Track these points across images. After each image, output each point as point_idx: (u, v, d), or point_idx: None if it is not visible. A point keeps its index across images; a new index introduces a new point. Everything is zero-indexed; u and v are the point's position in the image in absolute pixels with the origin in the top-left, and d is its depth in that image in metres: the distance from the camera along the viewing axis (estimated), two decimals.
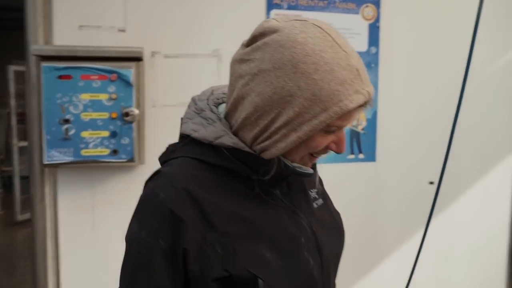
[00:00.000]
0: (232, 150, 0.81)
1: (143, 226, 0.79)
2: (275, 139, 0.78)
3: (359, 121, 2.47)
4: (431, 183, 2.64)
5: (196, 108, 0.88)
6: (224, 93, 0.91)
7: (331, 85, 0.74)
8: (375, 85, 2.47)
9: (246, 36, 0.84)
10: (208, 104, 0.88)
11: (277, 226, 0.84)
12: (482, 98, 2.69)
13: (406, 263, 2.38)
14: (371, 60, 2.45)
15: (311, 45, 0.74)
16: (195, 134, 0.84)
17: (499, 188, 2.79)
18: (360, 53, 2.37)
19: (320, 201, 0.98)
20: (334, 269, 0.97)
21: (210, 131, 0.82)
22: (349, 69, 0.76)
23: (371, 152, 2.51)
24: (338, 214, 1.06)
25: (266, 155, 0.80)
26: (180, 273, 0.78)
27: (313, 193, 0.97)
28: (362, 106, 0.78)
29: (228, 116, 0.85)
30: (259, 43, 0.78)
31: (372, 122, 2.49)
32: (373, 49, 2.46)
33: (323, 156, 0.86)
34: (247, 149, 0.81)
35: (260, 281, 0.76)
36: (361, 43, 2.43)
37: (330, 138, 0.81)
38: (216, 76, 2.22)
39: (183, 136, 0.88)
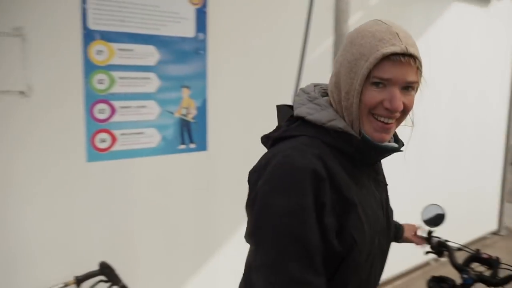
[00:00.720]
0: (341, 132, 0.98)
1: (291, 194, 0.89)
2: (347, 97, 0.97)
3: (189, 110, 2.39)
4: None
5: (309, 96, 1.05)
6: (324, 89, 1.09)
7: (371, 43, 0.94)
8: (204, 73, 2.42)
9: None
10: (316, 93, 1.06)
11: (369, 205, 1.03)
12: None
13: (241, 255, 2.42)
14: (199, 46, 2.38)
15: (364, 28, 0.98)
16: (309, 117, 1.00)
17: None
18: (187, 39, 2.29)
19: (384, 182, 1.17)
20: (390, 243, 1.18)
21: (324, 114, 0.99)
22: (389, 32, 0.94)
23: (203, 141, 2.47)
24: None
25: (354, 127, 0.98)
26: (321, 225, 0.90)
27: (381, 182, 1.14)
28: (399, 58, 0.92)
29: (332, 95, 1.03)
30: (344, 43, 1.02)
31: (202, 111, 2.44)
32: (201, 35, 2.39)
33: (388, 119, 0.97)
34: (353, 132, 0.98)
35: (356, 244, 0.95)
36: (188, 28, 2.34)
37: (381, 94, 0.95)
38: (20, 60, 1.87)
39: (292, 120, 1.04)
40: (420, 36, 3.69)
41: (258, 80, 2.65)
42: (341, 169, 0.96)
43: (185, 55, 2.34)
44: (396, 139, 1.09)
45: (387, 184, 1.18)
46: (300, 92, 1.08)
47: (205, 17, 2.39)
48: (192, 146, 2.43)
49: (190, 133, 2.41)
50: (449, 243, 1.71)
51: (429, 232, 1.70)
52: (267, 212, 0.91)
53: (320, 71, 2.93)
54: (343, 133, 0.98)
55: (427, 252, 1.75)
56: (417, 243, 1.67)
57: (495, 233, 5.05)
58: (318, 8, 2.72)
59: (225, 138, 2.55)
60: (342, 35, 3.02)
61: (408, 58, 0.92)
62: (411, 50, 0.93)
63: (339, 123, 0.97)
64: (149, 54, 2.22)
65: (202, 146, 2.47)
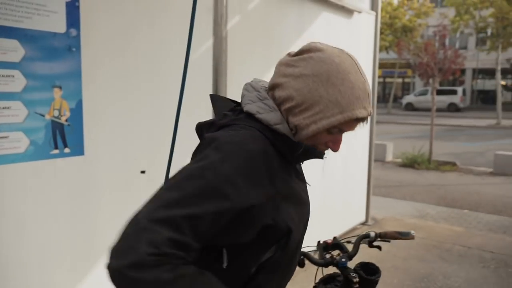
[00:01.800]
0: (284, 136, 1.06)
1: (227, 160, 0.94)
2: (302, 127, 1.06)
3: (62, 112, 2.20)
4: (143, 172, 2.63)
5: (260, 95, 1.10)
6: (265, 86, 1.14)
7: (350, 97, 1.03)
8: (78, 72, 2.25)
9: None
10: (264, 91, 1.12)
11: (300, 195, 1.15)
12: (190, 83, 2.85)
13: None
14: (71, 43, 2.21)
15: (343, 67, 1.04)
16: (258, 115, 1.07)
17: None
18: (57, 35, 2.11)
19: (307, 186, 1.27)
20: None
21: (272, 116, 1.07)
22: (364, 91, 1.06)
23: (79, 145, 2.29)
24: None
25: (296, 138, 1.08)
26: (234, 211, 0.94)
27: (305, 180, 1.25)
28: (362, 120, 1.07)
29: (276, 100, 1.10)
30: (305, 55, 1.07)
31: (77, 113, 2.26)
32: (73, 31, 2.22)
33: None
34: (292, 138, 1.07)
35: (292, 232, 1.06)
36: (58, 23, 2.15)
37: (331, 137, 1.10)
38: None
39: (237, 111, 1.11)
40: (294, 41, 3.91)
41: (138, 79, 2.55)
42: (278, 166, 1.05)
43: (55, 52, 2.15)
44: None
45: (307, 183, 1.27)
46: (250, 88, 1.13)
47: (77, 11, 2.22)
48: (67, 151, 2.24)
49: (64, 137, 2.22)
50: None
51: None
52: (206, 164, 0.94)
53: (201, 71, 2.95)
54: (284, 137, 1.07)
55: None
56: None
57: (363, 223, 5.56)
58: (198, 10, 2.72)
59: (103, 141, 2.40)
60: (222, 38, 3.07)
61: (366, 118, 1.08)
62: (371, 113, 1.09)
63: (283, 129, 1.06)
64: (12, 49, 1.99)
65: (78, 150, 2.28)
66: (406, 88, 39.99)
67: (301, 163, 1.21)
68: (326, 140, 1.10)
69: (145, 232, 0.83)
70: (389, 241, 1.72)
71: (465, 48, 30.23)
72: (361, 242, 1.71)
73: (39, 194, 2.16)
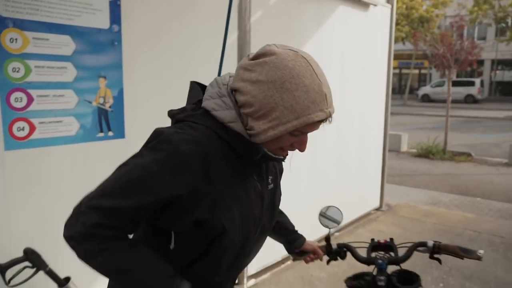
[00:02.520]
0: (238, 134, 1.10)
1: (157, 161, 1.03)
2: (261, 134, 1.08)
3: (106, 99, 2.47)
4: None
5: (219, 91, 1.13)
6: (227, 82, 1.15)
7: (305, 102, 1.04)
8: (120, 63, 2.51)
9: None
10: (227, 90, 1.12)
11: (247, 197, 1.16)
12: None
13: None
14: (114, 38, 2.47)
15: (297, 71, 1.04)
16: (214, 112, 1.11)
17: None
18: (102, 31, 2.37)
19: (271, 186, 1.29)
20: (264, 234, 1.32)
21: (227, 114, 1.10)
22: (320, 93, 1.06)
23: (120, 129, 2.56)
24: (280, 195, 1.36)
25: (256, 140, 1.10)
26: (160, 202, 1.05)
27: (270, 177, 1.28)
28: (323, 120, 1.08)
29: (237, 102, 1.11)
30: (260, 60, 1.07)
31: (119, 100, 2.53)
32: (115, 27, 2.48)
33: (290, 151, 1.17)
34: (247, 137, 1.10)
35: (226, 232, 1.10)
36: (102, 20, 2.41)
37: (295, 139, 1.11)
38: None
39: (198, 106, 1.15)
40: (312, 34, 4.13)
41: (171, 70, 2.81)
42: (224, 163, 1.10)
43: (100, 45, 2.41)
44: None
45: (276, 176, 1.32)
46: (214, 83, 1.16)
47: (119, 9, 2.48)
48: (110, 134, 2.51)
49: (108, 122, 2.49)
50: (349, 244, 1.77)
51: (327, 239, 1.75)
52: (136, 161, 1.07)
53: (227, 61, 3.19)
54: (239, 135, 1.10)
55: (329, 261, 1.79)
56: (316, 257, 1.74)
57: (377, 209, 5.77)
58: (224, 5, 2.96)
59: (141, 126, 2.66)
60: (246, 31, 3.30)
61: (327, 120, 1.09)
62: (332, 113, 1.08)
63: (237, 127, 1.09)
64: (65, 44, 2.26)
65: (120, 134, 2.56)
66: (422, 80, 39.64)
67: (264, 164, 1.24)
68: (290, 142, 1.11)
69: (81, 215, 1.04)
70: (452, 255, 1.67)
71: (484, 39, 29.86)
72: (416, 249, 1.70)
73: (87, 172, 2.44)
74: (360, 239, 1.96)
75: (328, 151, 4.52)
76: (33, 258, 2.12)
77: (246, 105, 1.08)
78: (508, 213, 5.85)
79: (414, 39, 16.39)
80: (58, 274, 2.17)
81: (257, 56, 1.09)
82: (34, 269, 2.13)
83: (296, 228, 1.70)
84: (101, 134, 2.47)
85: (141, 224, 1.13)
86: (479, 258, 1.56)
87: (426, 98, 30.74)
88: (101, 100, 2.45)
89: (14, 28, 2.06)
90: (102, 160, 2.49)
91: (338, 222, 1.75)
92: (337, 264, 1.79)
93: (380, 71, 5.52)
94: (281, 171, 1.39)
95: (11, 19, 2.05)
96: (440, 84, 29.89)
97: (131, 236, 1.17)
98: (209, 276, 1.19)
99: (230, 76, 1.17)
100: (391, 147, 7.47)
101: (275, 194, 1.32)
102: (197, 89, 1.23)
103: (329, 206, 1.81)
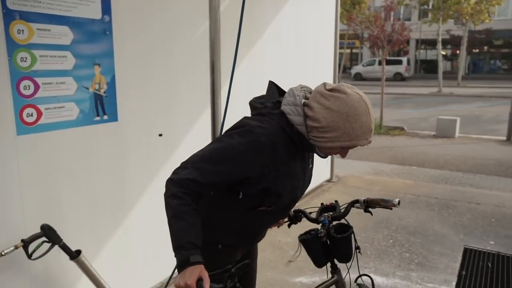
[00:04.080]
0: (300, 133, 1.53)
1: (244, 145, 1.47)
2: (319, 140, 1.53)
3: (101, 85, 2.65)
4: (160, 135, 3.14)
5: (295, 101, 1.55)
6: (306, 92, 1.60)
7: (358, 133, 1.49)
8: (111, 51, 2.69)
9: None
10: (300, 102, 1.54)
11: (296, 173, 1.64)
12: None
13: (150, 210, 2.83)
14: (105, 28, 2.64)
15: (359, 110, 1.47)
16: (289, 116, 1.53)
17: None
18: (95, 21, 2.56)
19: (310, 166, 1.78)
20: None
21: (297, 119, 1.53)
22: (369, 128, 1.51)
23: (114, 113, 2.75)
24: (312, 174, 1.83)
25: (310, 141, 1.54)
26: (240, 174, 1.51)
27: (310, 159, 1.77)
28: (363, 145, 1.53)
29: (307, 114, 1.53)
30: (335, 94, 1.49)
31: (111, 86, 2.72)
32: (107, 18, 2.65)
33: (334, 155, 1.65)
34: (307, 138, 1.54)
35: (281, 196, 1.58)
36: (95, 11, 2.57)
37: (341, 150, 1.57)
38: None
39: (276, 106, 1.59)
40: (271, 19, 4.45)
41: (159, 57, 3.02)
42: (285, 151, 1.54)
43: (94, 35, 2.58)
44: None
45: (313, 159, 1.78)
46: (291, 93, 1.58)
47: (109, 0, 2.65)
48: (105, 117, 2.70)
49: (103, 106, 2.68)
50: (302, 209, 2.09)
51: None
52: (228, 141, 1.50)
53: (200, 46, 3.43)
54: (301, 135, 1.54)
55: (289, 224, 2.09)
56: (281, 223, 2.04)
57: (328, 181, 6.31)
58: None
59: (131, 109, 2.87)
60: (216, 19, 3.55)
61: None
62: (371, 140, 1.54)
63: (302, 129, 1.53)
64: (64, 34, 2.41)
65: (113, 117, 2.75)
66: (354, 59, 41.37)
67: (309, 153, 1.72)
68: (338, 151, 1.58)
69: (186, 169, 1.47)
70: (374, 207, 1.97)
71: (409, 19, 31.67)
72: (353, 206, 2.00)
73: (86, 153, 2.63)
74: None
75: None
76: (49, 234, 2.31)
77: (314, 120, 1.51)
78: (439, 178, 6.63)
79: (349, 21, 17.16)
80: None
81: (332, 90, 1.51)
82: (50, 244, 2.33)
83: None
84: (98, 118, 2.66)
85: (221, 189, 1.59)
86: (394, 205, 1.87)
87: (359, 77, 32.26)
88: (97, 86, 2.62)
89: (20, 20, 2.19)
90: (99, 141, 2.69)
91: None
92: (300, 229, 2.13)
93: (327, 54, 5.98)
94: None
95: (17, 11, 2.18)
96: (371, 63, 31.48)
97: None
98: (262, 217, 1.69)
99: (301, 87, 1.61)
100: None
101: (312, 170, 1.81)
102: (273, 89, 1.67)
103: None
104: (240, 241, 1.77)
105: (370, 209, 1.98)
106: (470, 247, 4.14)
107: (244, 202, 1.62)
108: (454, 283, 3.49)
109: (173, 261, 1.40)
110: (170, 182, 1.48)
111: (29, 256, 2.22)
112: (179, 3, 3.19)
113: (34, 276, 2.41)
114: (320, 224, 1.99)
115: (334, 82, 6.21)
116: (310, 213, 2.07)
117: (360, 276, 2.20)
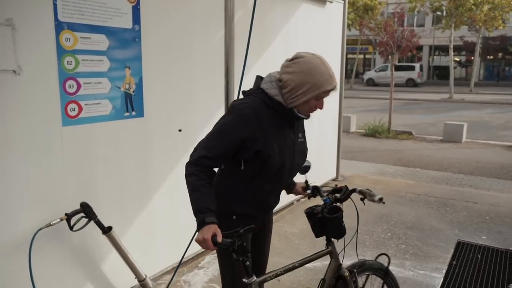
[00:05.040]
0: (279, 102, 1.90)
1: (233, 119, 1.89)
2: (295, 99, 1.89)
3: (131, 85, 3.07)
4: (180, 130, 3.54)
5: (270, 80, 1.94)
6: (275, 76, 1.96)
7: (321, 80, 1.86)
8: (139, 56, 3.11)
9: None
10: (275, 79, 1.93)
11: (284, 140, 1.97)
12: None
13: (170, 195, 3.22)
14: (135, 35, 3.06)
15: (315, 64, 1.87)
16: (266, 90, 1.92)
17: None
18: (127, 30, 2.99)
19: (301, 139, 2.13)
20: (296, 169, 2.15)
21: (274, 92, 1.92)
22: (329, 75, 1.89)
23: (141, 109, 3.17)
24: (306, 148, 2.18)
25: (289, 105, 1.91)
26: (237, 141, 1.88)
27: (300, 134, 2.11)
28: (331, 90, 1.90)
29: (280, 86, 1.92)
30: (294, 60, 1.91)
31: (139, 86, 3.14)
32: (136, 27, 3.07)
33: (314, 112, 1.98)
34: (285, 104, 1.91)
35: (271, 157, 1.92)
36: (127, 21, 2.99)
37: (316, 103, 1.93)
38: (11, 45, 2.35)
39: (260, 89, 1.95)
40: (281, 28, 4.84)
41: (179, 62, 3.44)
42: (270, 120, 1.90)
43: (126, 42, 3.00)
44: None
45: (304, 134, 2.14)
46: (268, 76, 1.98)
47: (139, 12, 3.07)
48: (134, 113, 3.12)
49: (132, 103, 3.09)
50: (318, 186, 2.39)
51: (306, 182, 2.39)
52: (224, 118, 1.94)
53: (219, 56, 3.84)
54: (280, 104, 1.92)
55: (309, 196, 2.39)
56: (302, 193, 2.38)
57: (334, 179, 6.66)
58: (211, 7, 3.63)
59: (155, 106, 3.29)
60: (231, 29, 3.96)
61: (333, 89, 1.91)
62: (336, 84, 1.90)
63: (279, 99, 1.91)
64: (102, 41, 2.83)
65: (140, 113, 3.17)
66: (367, 64, 41.57)
67: (298, 121, 2.07)
68: (314, 104, 1.92)
69: (196, 151, 1.89)
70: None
71: (422, 25, 31.86)
72: (351, 193, 2.26)
73: (117, 144, 3.04)
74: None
75: None
76: (87, 210, 2.73)
77: (286, 86, 1.90)
78: (441, 179, 6.94)
79: (360, 26, 17.51)
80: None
81: (292, 59, 1.93)
82: (87, 219, 2.74)
83: None
84: (127, 114, 3.07)
85: (227, 159, 1.96)
86: (374, 201, 2.18)
87: (371, 82, 32.48)
88: (127, 86, 3.04)
89: (68, 29, 2.62)
90: (128, 134, 3.10)
91: (308, 167, 2.37)
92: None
93: (335, 59, 6.35)
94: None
95: (66, 23, 2.60)
96: (384, 69, 31.66)
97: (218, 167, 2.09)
98: (263, 185, 2.03)
99: (277, 72, 1.97)
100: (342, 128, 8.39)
101: (304, 145, 2.17)
102: (258, 80, 2.03)
103: None
104: (250, 210, 2.07)
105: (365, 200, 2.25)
106: (463, 241, 4.46)
107: (246, 170, 1.97)
108: (444, 271, 3.82)
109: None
110: (187, 165, 1.89)
111: (71, 228, 2.64)
112: (198, 14, 3.60)
113: (73, 247, 2.83)
114: (323, 200, 2.28)
115: (341, 91, 6.60)
116: (324, 191, 2.36)
117: (379, 255, 2.54)
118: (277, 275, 2.08)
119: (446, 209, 5.46)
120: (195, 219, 1.80)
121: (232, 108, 1.93)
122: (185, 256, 3.13)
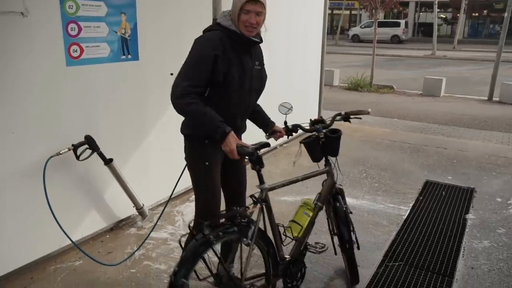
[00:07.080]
0: (233, 31, 2.19)
1: (200, 47, 2.16)
2: (235, 21, 2.20)
3: (126, 30, 3.30)
4: (171, 74, 3.81)
5: (224, 15, 2.25)
6: (229, 12, 2.26)
7: None
8: (134, 3, 3.32)
9: None
10: (227, 13, 2.25)
11: (242, 65, 2.24)
12: None
13: (164, 132, 3.54)
14: None
15: None
16: (223, 23, 2.21)
17: None
18: None
19: (258, 67, 2.38)
20: (255, 95, 2.41)
21: (228, 23, 2.21)
22: None
23: (136, 53, 3.41)
24: (265, 76, 2.45)
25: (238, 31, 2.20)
26: (213, 64, 2.13)
27: (257, 62, 2.37)
28: (253, 2, 2.13)
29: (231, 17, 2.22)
30: None
31: (134, 31, 3.36)
32: None
33: (251, 28, 2.18)
34: (238, 31, 2.19)
35: (232, 81, 2.20)
36: None
37: (247, 16, 2.16)
38: None
39: (217, 23, 2.24)
40: None
41: (173, 8, 3.65)
42: (230, 46, 2.17)
43: None
44: (260, 38, 2.32)
45: (261, 63, 2.39)
46: (223, 13, 2.29)
47: None
48: (129, 56, 3.37)
49: (128, 47, 3.33)
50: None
51: (285, 123, 2.63)
52: (192, 51, 2.18)
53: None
54: (234, 32, 2.19)
55: (288, 135, 2.64)
56: (281, 135, 2.61)
57: None
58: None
59: (150, 51, 3.53)
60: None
61: (256, 1, 2.13)
62: None
63: (232, 27, 2.19)
64: None
65: (135, 56, 3.42)
66: (353, 20, 41.30)
67: (251, 47, 2.29)
68: (246, 18, 2.14)
69: (179, 86, 2.10)
70: (353, 118, 2.68)
71: None
72: (336, 118, 2.65)
73: (115, 84, 3.31)
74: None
75: (277, 84, 5.59)
76: (91, 143, 3.03)
77: (231, 10, 2.22)
78: (416, 128, 7.37)
79: None
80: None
81: None
82: (91, 151, 3.05)
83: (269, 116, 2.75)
84: (124, 57, 3.32)
85: (207, 86, 2.19)
86: (368, 113, 2.57)
87: (356, 38, 32.46)
88: (123, 31, 3.27)
89: None
90: (124, 75, 3.36)
91: (289, 107, 2.73)
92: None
93: (317, 15, 6.56)
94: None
95: None
96: (369, 25, 31.53)
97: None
98: (228, 108, 2.25)
99: (229, 10, 2.26)
100: (325, 82, 8.66)
101: (262, 73, 2.42)
102: (215, 20, 2.33)
103: (284, 102, 2.83)
104: None
105: (350, 119, 2.71)
106: (431, 180, 4.92)
107: (212, 96, 2.19)
108: (411, 205, 4.27)
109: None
110: (177, 99, 2.08)
111: (77, 157, 2.95)
112: None
113: (80, 175, 3.15)
114: (315, 132, 2.60)
115: (323, 46, 6.88)
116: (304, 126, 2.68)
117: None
118: (283, 185, 2.46)
119: (419, 154, 5.90)
120: (215, 135, 2.10)
121: (196, 41, 2.19)
122: (177, 190, 3.48)
